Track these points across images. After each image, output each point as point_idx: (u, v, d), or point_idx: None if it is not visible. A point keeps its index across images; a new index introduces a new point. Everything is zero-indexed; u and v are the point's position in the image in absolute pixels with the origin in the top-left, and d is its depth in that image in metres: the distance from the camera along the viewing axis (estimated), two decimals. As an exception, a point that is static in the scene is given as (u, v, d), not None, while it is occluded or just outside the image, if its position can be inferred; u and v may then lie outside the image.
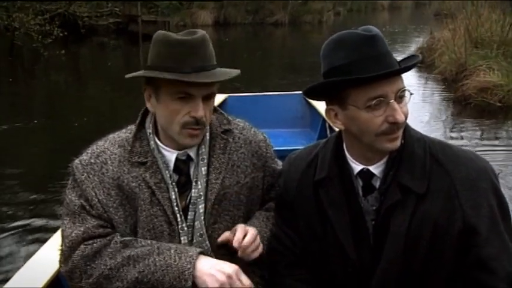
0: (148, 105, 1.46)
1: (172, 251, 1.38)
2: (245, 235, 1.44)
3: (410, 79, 10.39)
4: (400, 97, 1.27)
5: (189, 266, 1.34)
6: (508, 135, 6.89)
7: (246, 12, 27.46)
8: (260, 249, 1.47)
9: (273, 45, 21.30)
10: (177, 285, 1.34)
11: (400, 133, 1.30)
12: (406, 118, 1.29)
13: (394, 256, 1.31)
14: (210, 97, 1.42)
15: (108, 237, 1.41)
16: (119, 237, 1.42)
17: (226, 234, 1.46)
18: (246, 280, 1.36)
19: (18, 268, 2.00)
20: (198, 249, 1.40)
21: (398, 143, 1.31)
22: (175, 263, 1.35)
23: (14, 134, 7.41)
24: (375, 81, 1.24)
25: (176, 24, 23.46)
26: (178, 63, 1.34)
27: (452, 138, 6.61)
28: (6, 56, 14.76)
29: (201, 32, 1.39)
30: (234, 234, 1.44)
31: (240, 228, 1.45)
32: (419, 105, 8.39)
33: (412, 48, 13.66)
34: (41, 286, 1.83)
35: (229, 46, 19.61)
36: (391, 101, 1.25)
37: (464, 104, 8.17)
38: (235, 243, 1.42)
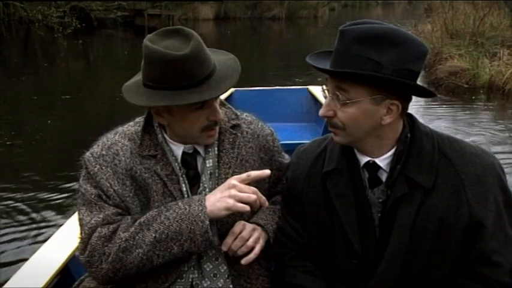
0: (158, 119, 1.44)
1: (180, 203, 1.39)
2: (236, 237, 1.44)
3: None
4: (337, 97, 1.28)
5: (201, 208, 1.36)
6: (473, 110, 8.18)
7: (245, 7, 28.44)
8: (258, 247, 1.47)
9: (271, 37, 22.51)
10: (195, 228, 1.35)
11: (336, 131, 1.33)
12: (344, 123, 1.30)
13: (398, 249, 1.31)
14: (218, 96, 1.42)
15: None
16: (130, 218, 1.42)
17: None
18: (256, 173, 1.40)
19: (25, 260, 2.00)
20: (203, 195, 1.43)
21: (336, 137, 1.36)
22: (187, 211, 1.36)
23: (39, 114, 8.11)
24: (322, 72, 1.30)
25: (179, 18, 24.52)
26: (187, 79, 1.32)
27: (427, 114, 7.96)
28: (23, 46, 16.05)
29: (194, 37, 1.35)
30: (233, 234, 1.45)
31: (232, 233, 1.46)
32: None
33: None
34: (48, 279, 1.82)
35: (231, 38, 20.84)
36: (329, 96, 1.31)
37: (436, 86, 9.52)
38: (223, 247, 1.43)
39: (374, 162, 1.35)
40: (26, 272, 1.87)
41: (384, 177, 1.35)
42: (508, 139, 6.50)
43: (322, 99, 4.90)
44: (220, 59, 1.45)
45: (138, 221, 1.38)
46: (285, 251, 1.52)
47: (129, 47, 16.98)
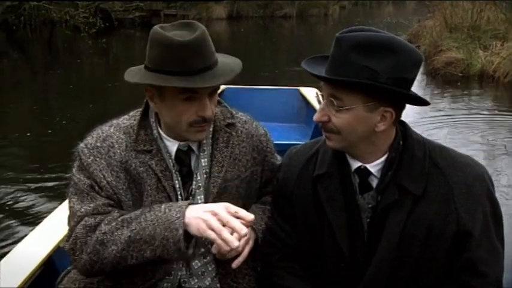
0: (151, 104, 1.45)
1: (162, 206, 1.36)
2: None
3: None
4: (331, 103, 1.28)
5: (178, 215, 1.31)
6: (467, 97, 8.98)
7: (257, 6, 29.09)
8: (247, 250, 1.46)
9: (283, 35, 23.36)
10: (169, 235, 1.30)
11: (330, 135, 1.33)
12: (338, 129, 1.30)
13: (387, 255, 1.32)
14: (215, 92, 1.41)
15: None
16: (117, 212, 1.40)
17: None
18: (245, 213, 1.30)
19: (12, 246, 2.00)
20: (189, 201, 1.38)
21: (329, 142, 1.35)
22: (165, 215, 1.33)
23: (67, 107, 8.62)
24: (318, 79, 1.30)
25: (193, 18, 25.55)
26: (183, 66, 1.32)
27: (425, 96, 8.76)
28: (51, 45, 17.24)
29: (200, 29, 1.35)
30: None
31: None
32: None
33: (403, 36, 15.83)
34: (30, 271, 1.79)
35: (244, 36, 21.76)
36: (323, 101, 1.32)
37: (433, 75, 10.41)
38: (213, 250, 1.39)
39: (365, 167, 1.36)
40: (7, 264, 1.83)
41: (374, 183, 1.37)
42: (490, 119, 7.34)
43: (313, 101, 4.42)
44: (226, 60, 1.45)
45: (122, 217, 1.37)
46: (273, 251, 1.53)
47: (146, 45, 17.95)
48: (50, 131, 7.02)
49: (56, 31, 18.86)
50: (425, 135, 1.50)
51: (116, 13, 20.58)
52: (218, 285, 1.54)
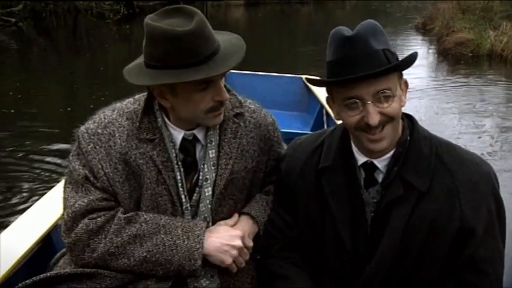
0: (162, 101, 1.40)
1: (179, 231, 1.39)
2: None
3: (416, 40, 13.72)
4: (383, 97, 1.26)
5: (198, 246, 1.37)
6: (476, 75, 9.33)
7: (274, -8, 29.54)
8: (249, 252, 1.51)
9: (301, 20, 23.72)
10: (186, 264, 1.37)
11: (381, 133, 1.29)
12: (393, 116, 1.28)
13: (389, 249, 1.32)
14: (224, 74, 1.39)
15: (111, 212, 1.41)
16: (121, 214, 1.41)
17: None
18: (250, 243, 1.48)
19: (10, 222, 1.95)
20: (203, 225, 1.43)
21: (380, 144, 1.31)
22: (185, 243, 1.37)
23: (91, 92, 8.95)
24: (348, 83, 1.26)
25: (212, 4, 25.94)
26: (194, 57, 1.29)
27: (436, 74, 9.27)
28: (79, 31, 18.03)
29: (196, 13, 1.32)
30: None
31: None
32: (419, 58, 11.08)
33: (418, 19, 16.14)
34: (27, 247, 1.79)
35: (261, 22, 22.23)
36: (368, 102, 1.25)
37: (444, 55, 10.84)
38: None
39: (372, 162, 1.36)
40: (5, 239, 1.83)
41: (379, 177, 1.37)
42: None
43: (316, 91, 4.48)
44: (224, 38, 1.42)
45: (133, 230, 1.39)
46: (274, 242, 1.54)
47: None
48: (75, 111, 7.42)
49: (80, 18, 19.64)
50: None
51: (138, 1, 21.24)
52: (216, 274, 1.52)
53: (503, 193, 1.40)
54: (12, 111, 7.41)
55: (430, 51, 12.04)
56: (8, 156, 5.64)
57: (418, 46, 12.80)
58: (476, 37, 10.57)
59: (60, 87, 9.63)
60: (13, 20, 16.63)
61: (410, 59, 1.29)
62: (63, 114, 7.45)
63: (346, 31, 1.28)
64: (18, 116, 7.10)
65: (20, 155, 5.67)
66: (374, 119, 1.27)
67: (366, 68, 1.24)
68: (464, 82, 8.77)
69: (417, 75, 8.95)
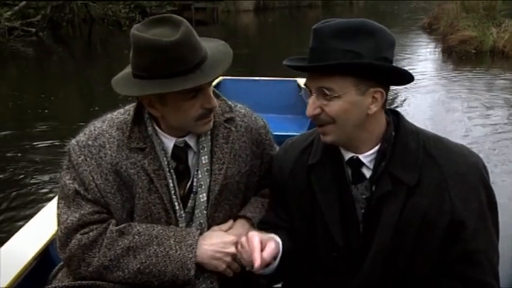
0: (151, 111, 1.40)
1: (172, 241, 1.40)
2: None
3: (423, 40, 14.40)
4: (322, 94, 1.27)
5: (190, 256, 1.38)
6: (478, 71, 9.74)
7: (283, -3, 30.13)
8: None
9: (309, 24, 24.14)
10: (180, 274, 1.39)
11: (322, 128, 1.32)
12: (332, 116, 1.28)
13: (382, 246, 1.32)
14: (212, 80, 1.38)
15: (103, 225, 1.41)
16: (113, 226, 1.42)
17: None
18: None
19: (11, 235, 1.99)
20: (196, 234, 1.44)
21: (325, 137, 1.33)
22: (177, 254, 1.39)
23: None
24: (307, 73, 1.30)
25: (221, 10, 26.53)
26: (181, 66, 1.30)
27: (441, 71, 9.70)
28: (88, 40, 18.75)
29: (182, 22, 1.33)
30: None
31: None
32: (424, 56, 11.83)
33: (425, 19, 16.56)
34: (31, 257, 1.81)
35: (271, 26, 22.80)
36: (313, 95, 1.29)
37: (449, 52, 11.30)
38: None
39: (357, 158, 1.36)
40: (3, 255, 1.84)
41: (367, 174, 1.36)
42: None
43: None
44: (210, 45, 1.43)
45: (126, 242, 1.40)
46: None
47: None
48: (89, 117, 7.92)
49: (95, 27, 20.38)
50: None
51: (152, 8, 22.02)
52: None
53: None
54: (41, 110, 7.90)
55: (436, 49, 12.52)
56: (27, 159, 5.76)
57: (424, 45, 13.37)
58: (479, 34, 10.98)
59: (80, 91, 10.13)
60: (33, 30, 17.38)
61: (361, 66, 1.24)
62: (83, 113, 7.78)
63: (321, 23, 1.28)
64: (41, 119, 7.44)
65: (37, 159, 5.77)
66: (309, 110, 1.30)
67: (313, 61, 1.27)
68: (468, 77, 9.22)
69: (423, 72, 9.51)
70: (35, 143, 6.24)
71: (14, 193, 4.78)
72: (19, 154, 5.91)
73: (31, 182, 5.07)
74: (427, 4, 19.65)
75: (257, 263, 1.25)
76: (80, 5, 20.21)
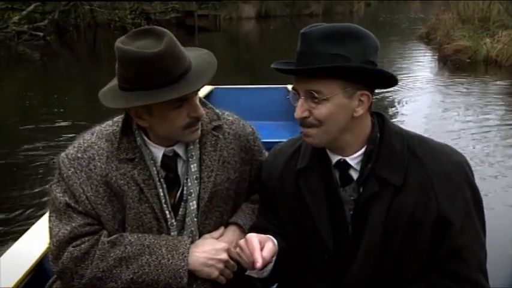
0: (139, 122, 1.42)
1: (163, 250, 1.42)
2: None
3: (420, 49, 14.76)
4: (310, 97, 1.29)
5: (182, 264, 1.40)
6: (471, 79, 10.16)
7: (284, 5, 30.39)
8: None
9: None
10: (173, 282, 1.39)
11: (307, 130, 1.34)
12: (319, 119, 1.30)
13: (371, 246, 1.34)
14: (198, 90, 1.40)
15: (95, 236, 1.42)
16: (105, 237, 1.43)
17: None
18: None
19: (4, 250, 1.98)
20: (188, 242, 1.45)
21: (308, 139, 1.35)
22: (169, 262, 1.40)
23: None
24: (293, 76, 1.32)
25: (224, 17, 26.98)
26: (165, 77, 1.31)
27: (437, 80, 10.10)
28: (93, 45, 19.19)
29: (166, 34, 1.34)
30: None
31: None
32: (422, 64, 12.30)
33: (422, 29, 17.01)
34: (21, 275, 1.80)
35: (273, 34, 23.24)
36: (302, 98, 1.30)
37: (444, 61, 11.75)
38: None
39: (345, 160, 1.37)
40: (9, 256, 1.88)
41: (355, 175, 1.38)
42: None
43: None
44: (194, 55, 1.44)
45: (118, 253, 1.41)
46: None
47: (182, 44, 19.69)
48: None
49: (99, 32, 20.84)
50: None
51: (156, 15, 22.52)
52: None
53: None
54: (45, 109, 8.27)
55: (432, 58, 12.99)
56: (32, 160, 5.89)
57: (421, 54, 13.76)
58: (473, 44, 11.41)
59: (86, 92, 10.49)
60: (41, 34, 17.81)
61: (350, 69, 1.27)
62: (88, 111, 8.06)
63: (309, 28, 1.31)
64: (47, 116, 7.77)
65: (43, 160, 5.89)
66: (297, 112, 1.31)
67: (301, 65, 1.28)
68: (461, 84, 9.62)
69: (420, 80, 9.94)
70: (43, 142, 6.54)
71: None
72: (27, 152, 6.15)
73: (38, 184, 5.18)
74: (425, 15, 20.12)
75: (259, 262, 1.28)
76: (87, 10, 20.80)
